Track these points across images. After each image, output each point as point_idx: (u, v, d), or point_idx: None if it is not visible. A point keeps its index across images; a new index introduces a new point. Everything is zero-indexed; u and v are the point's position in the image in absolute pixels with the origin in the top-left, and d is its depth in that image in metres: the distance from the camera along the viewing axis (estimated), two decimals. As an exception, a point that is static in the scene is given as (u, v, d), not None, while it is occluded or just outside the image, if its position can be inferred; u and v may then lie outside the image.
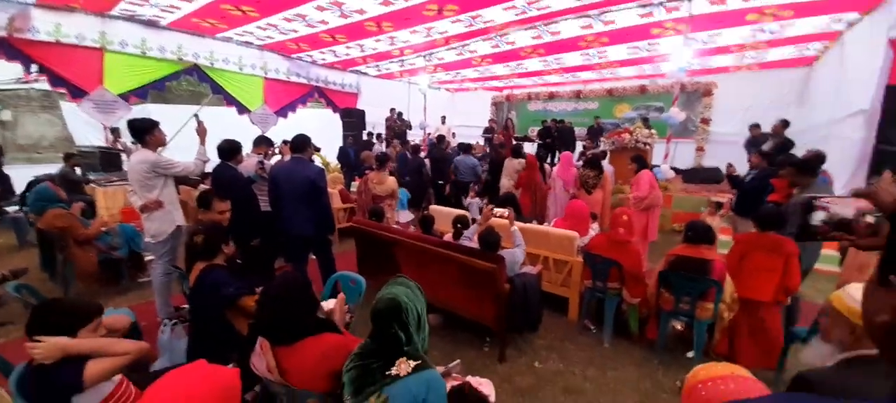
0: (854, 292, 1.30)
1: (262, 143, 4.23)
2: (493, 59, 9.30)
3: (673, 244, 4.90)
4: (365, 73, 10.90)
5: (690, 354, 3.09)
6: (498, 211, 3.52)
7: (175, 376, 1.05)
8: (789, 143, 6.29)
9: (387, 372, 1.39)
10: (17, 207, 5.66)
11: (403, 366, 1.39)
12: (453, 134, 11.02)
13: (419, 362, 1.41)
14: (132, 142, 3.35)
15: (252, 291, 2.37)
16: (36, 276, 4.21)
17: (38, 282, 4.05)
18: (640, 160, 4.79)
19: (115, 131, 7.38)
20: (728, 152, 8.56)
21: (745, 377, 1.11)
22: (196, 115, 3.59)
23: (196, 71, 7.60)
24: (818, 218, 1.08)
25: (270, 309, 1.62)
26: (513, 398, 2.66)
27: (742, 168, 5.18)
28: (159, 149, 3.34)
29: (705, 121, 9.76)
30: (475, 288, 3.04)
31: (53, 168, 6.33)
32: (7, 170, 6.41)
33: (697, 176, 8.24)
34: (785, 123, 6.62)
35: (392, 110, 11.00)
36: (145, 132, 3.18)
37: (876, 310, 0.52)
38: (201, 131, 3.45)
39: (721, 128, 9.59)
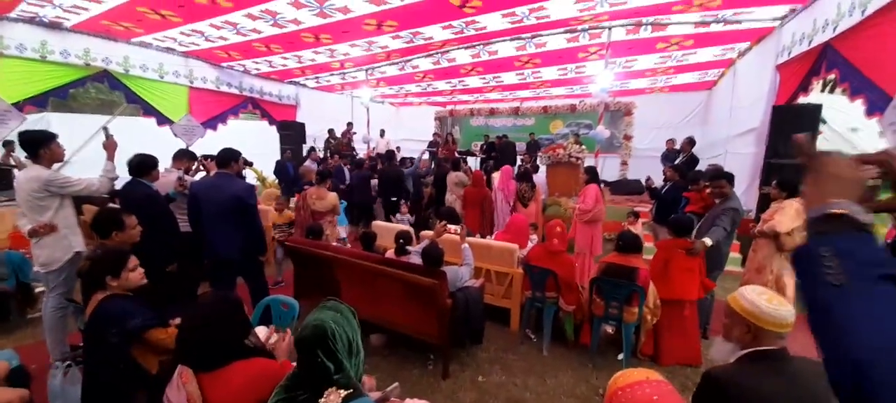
0: (748, 293, 1.45)
1: (183, 157, 3.88)
2: (435, 75, 9.47)
3: (607, 253, 5.24)
4: (304, 85, 10.52)
5: (620, 356, 3.30)
6: (451, 227, 3.54)
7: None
8: (695, 159, 7.12)
9: (314, 404, 1.30)
10: None
11: (332, 397, 1.31)
12: (398, 147, 10.97)
13: (350, 391, 1.34)
14: (26, 157, 2.88)
15: (164, 322, 2.13)
16: None
17: None
18: (593, 172, 4.91)
19: (7, 144, 6.38)
20: (648, 165, 9.45)
21: (658, 380, 1.20)
22: (105, 128, 3.19)
23: (107, 77, 6.81)
24: None
25: (197, 329, 1.46)
26: (456, 414, 2.64)
27: (659, 180, 5.73)
28: (55, 165, 2.93)
29: (628, 138, 10.71)
30: (418, 305, 3.01)
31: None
32: None
33: (622, 187, 8.97)
34: (691, 141, 7.47)
35: (349, 125, 10.73)
36: (39, 145, 2.78)
37: None
38: (109, 146, 3.07)
39: (641, 144, 10.59)
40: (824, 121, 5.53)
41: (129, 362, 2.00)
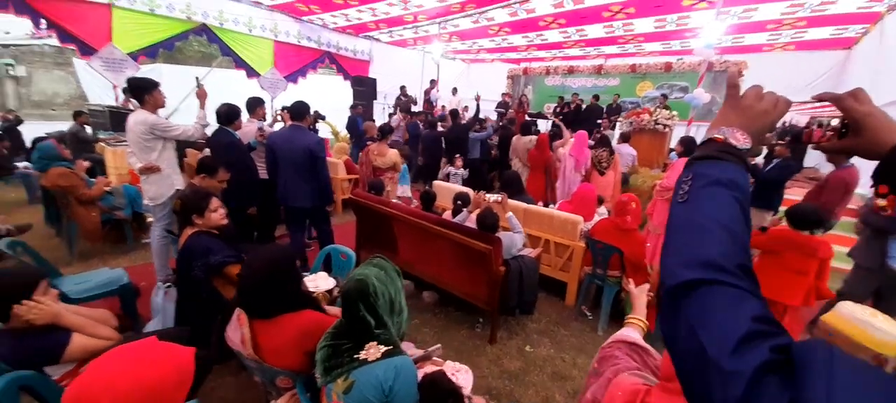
0: (854, 310, 1.13)
1: (257, 106, 4.03)
2: (512, 28, 8.90)
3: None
4: (377, 40, 10.61)
5: (688, 347, 3.01)
6: (489, 196, 3.35)
7: (123, 352, 1.02)
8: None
9: (355, 356, 1.34)
10: (26, 163, 5.79)
11: (372, 351, 1.34)
12: (465, 108, 10.74)
13: (391, 347, 1.36)
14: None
15: (240, 259, 2.36)
16: (41, 232, 4.34)
17: (44, 239, 4.18)
18: (689, 144, 4.23)
19: (127, 91, 7.40)
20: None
21: None
22: (197, 78, 3.51)
23: (205, 31, 7.47)
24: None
25: (251, 281, 1.58)
26: (500, 380, 2.63)
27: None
28: (159, 110, 3.30)
29: (732, 104, 9.23)
30: (470, 268, 2.98)
31: (66, 125, 6.41)
32: (22, 126, 6.52)
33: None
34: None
35: (432, 82, 10.80)
36: (144, 91, 3.13)
37: None
38: (201, 94, 3.38)
39: (748, 112, 9.09)
40: None
41: (211, 291, 2.27)
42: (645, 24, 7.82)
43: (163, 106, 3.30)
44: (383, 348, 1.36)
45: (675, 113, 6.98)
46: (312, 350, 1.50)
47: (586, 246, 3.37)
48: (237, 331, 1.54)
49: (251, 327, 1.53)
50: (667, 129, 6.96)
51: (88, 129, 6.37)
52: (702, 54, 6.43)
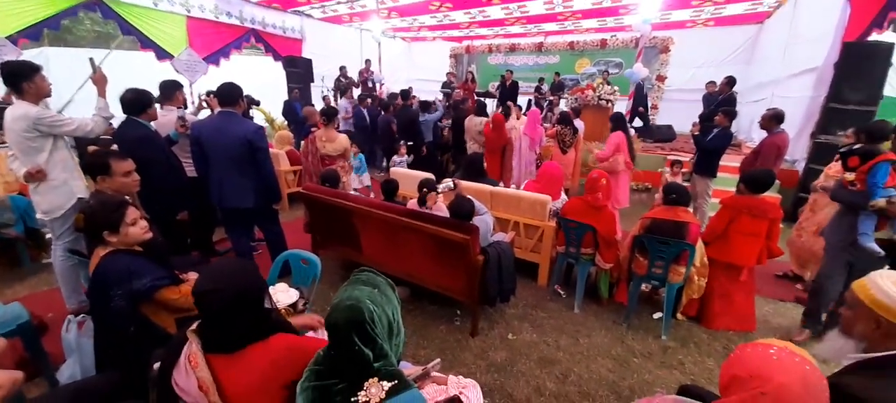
0: (882, 282, 1.18)
1: (174, 90, 3.38)
2: (453, 3, 8.61)
3: (639, 206, 4.85)
4: (309, 16, 9.72)
5: (657, 315, 3.11)
6: (440, 187, 3.15)
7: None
8: (733, 100, 6.54)
9: (353, 399, 1.08)
10: None
11: (374, 390, 1.09)
12: (410, 88, 10.29)
13: (395, 381, 1.12)
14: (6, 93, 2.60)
15: (176, 280, 1.93)
16: None
17: None
18: (618, 120, 4.48)
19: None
20: (680, 109, 8.76)
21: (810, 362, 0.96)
22: (91, 60, 2.81)
23: (98, 6, 6.27)
24: None
25: (208, 307, 1.22)
26: (488, 375, 2.51)
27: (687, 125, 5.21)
28: (43, 100, 2.63)
29: (661, 78, 9.85)
30: (446, 260, 2.79)
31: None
32: None
33: (652, 134, 8.38)
34: (731, 81, 6.81)
35: (367, 62, 10.18)
36: (22, 78, 2.47)
37: None
38: (98, 79, 2.73)
39: (673, 86, 9.77)
40: (892, 64, 4.85)
41: (140, 323, 1.83)
42: (583, 1, 7.97)
43: (48, 95, 2.64)
44: (387, 384, 1.11)
45: (616, 88, 7.24)
46: (294, 382, 1.21)
47: (558, 226, 3.32)
48: (189, 377, 1.20)
49: (210, 367, 1.20)
50: (609, 104, 7.21)
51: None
52: (639, 29, 6.70)
